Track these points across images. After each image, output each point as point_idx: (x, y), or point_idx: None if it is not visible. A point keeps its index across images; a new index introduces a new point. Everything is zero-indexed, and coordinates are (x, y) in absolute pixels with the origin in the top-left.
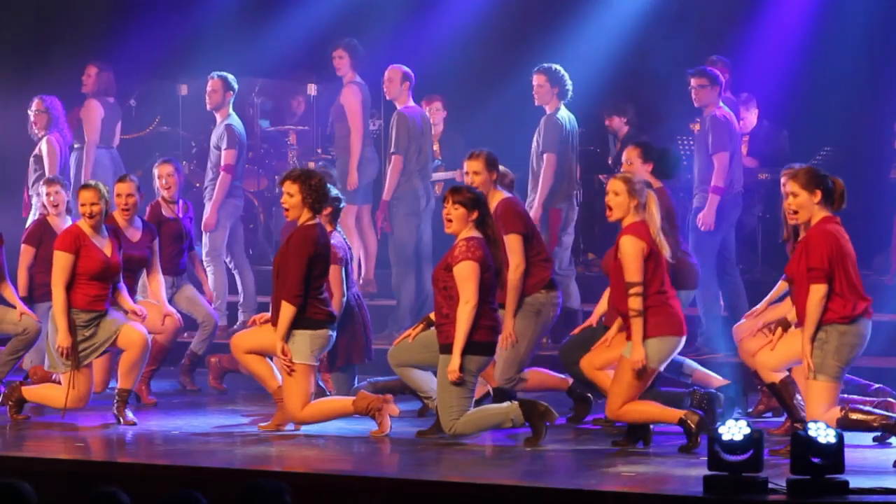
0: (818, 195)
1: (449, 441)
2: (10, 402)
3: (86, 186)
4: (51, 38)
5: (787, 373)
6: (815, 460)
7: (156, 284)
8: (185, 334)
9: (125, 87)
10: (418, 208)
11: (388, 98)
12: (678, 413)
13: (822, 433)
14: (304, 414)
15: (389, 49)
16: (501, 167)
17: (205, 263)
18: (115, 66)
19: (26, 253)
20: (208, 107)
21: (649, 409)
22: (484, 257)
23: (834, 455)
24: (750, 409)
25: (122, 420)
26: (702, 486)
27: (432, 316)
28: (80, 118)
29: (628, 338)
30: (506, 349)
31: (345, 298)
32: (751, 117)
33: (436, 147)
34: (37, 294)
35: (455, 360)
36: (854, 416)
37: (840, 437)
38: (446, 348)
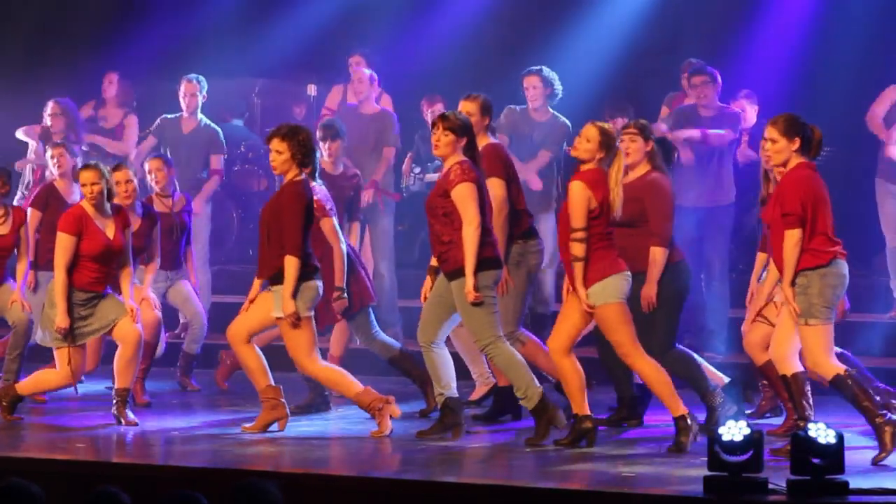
0: (797, 142)
1: (449, 442)
2: (3, 403)
3: (86, 167)
4: (51, 39)
5: (801, 367)
6: (815, 461)
7: (148, 275)
8: (174, 331)
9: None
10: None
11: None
12: (682, 408)
13: (822, 433)
14: (316, 367)
15: (389, 49)
16: None
17: None
18: (113, 68)
19: (33, 216)
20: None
21: (665, 384)
22: (478, 178)
23: (834, 455)
24: (751, 410)
25: (122, 421)
26: (702, 487)
27: (434, 262)
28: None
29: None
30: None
31: (344, 246)
32: (751, 115)
33: None
34: (41, 261)
35: (470, 280)
36: (855, 386)
37: (840, 438)
38: (457, 273)
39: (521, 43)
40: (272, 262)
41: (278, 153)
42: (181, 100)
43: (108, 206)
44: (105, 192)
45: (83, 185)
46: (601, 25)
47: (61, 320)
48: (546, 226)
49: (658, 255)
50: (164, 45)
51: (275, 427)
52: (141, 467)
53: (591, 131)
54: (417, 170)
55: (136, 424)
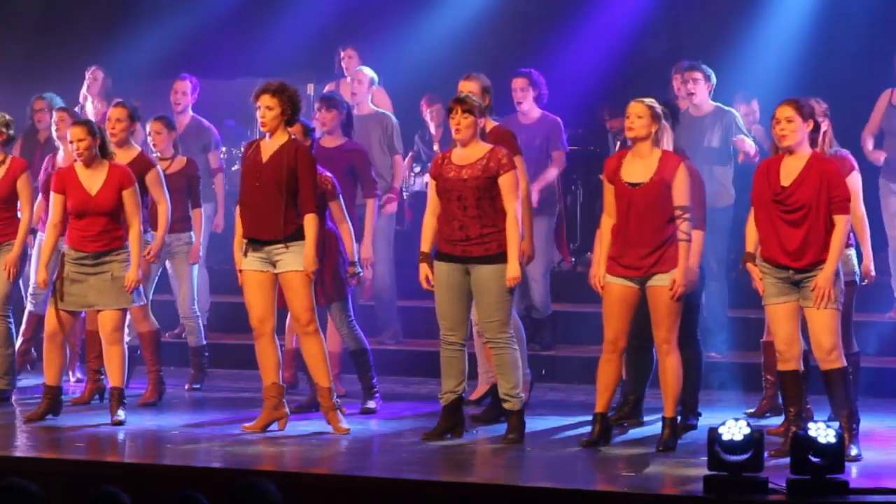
0: (810, 125)
1: (448, 442)
2: (42, 407)
3: (74, 123)
4: (51, 38)
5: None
6: (815, 460)
7: (156, 240)
8: (174, 331)
9: (125, 87)
10: None
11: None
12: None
13: (822, 433)
14: (315, 328)
15: (389, 49)
16: None
17: None
18: (115, 66)
19: (39, 206)
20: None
21: (677, 382)
22: None
23: (834, 455)
24: (752, 410)
25: (111, 419)
26: (702, 486)
27: (425, 249)
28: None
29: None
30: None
31: (350, 225)
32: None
33: (436, 147)
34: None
35: (516, 265)
36: (850, 384)
37: (840, 437)
38: (498, 258)
39: (521, 43)
40: (293, 220)
41: (269, 109)
42: (171, 97)
43: (103, 162)
44: (94, 148)
45: (69, 142)
46: (601, 26)
47: (38, 274)
48: (547, 227)
49: (699, 238)
50: (165, 45)
51: (275, 427)
52: (141, 467)
53: (639, 108)
54: (417, 169)
55: (122, 423)
